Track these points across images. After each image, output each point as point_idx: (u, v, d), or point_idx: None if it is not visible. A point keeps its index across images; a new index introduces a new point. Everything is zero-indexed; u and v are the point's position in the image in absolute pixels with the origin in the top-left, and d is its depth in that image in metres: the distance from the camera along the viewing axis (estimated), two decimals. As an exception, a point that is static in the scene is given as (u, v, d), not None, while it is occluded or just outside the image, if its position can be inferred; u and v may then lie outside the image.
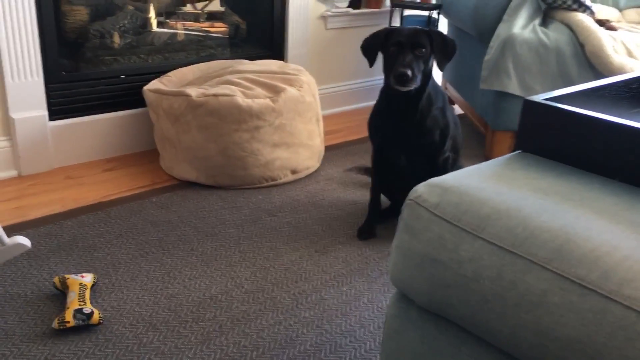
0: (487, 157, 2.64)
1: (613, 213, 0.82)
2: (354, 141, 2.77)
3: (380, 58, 1.78)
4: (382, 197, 2.02)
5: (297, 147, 2.30)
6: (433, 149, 1.81)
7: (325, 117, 3.06)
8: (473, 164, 2.67)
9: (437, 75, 3.44)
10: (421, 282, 0.90)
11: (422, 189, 0.92)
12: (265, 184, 2.25)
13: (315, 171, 2.41)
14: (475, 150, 2.73)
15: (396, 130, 1.81)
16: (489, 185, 0.90)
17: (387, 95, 1.80)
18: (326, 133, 2.80)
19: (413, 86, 1.68)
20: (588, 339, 0.71)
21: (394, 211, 2.02)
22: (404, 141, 1.82)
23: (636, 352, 0.68)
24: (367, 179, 2.28)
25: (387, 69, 1.72)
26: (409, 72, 1.63)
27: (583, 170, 0.96)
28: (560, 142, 0.99)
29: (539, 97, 1.04)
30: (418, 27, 1.78)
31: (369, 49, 1.79)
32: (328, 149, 2.61)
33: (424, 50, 1.69)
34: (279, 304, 1.57)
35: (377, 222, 1.98)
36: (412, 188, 0.95)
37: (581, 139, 0.96)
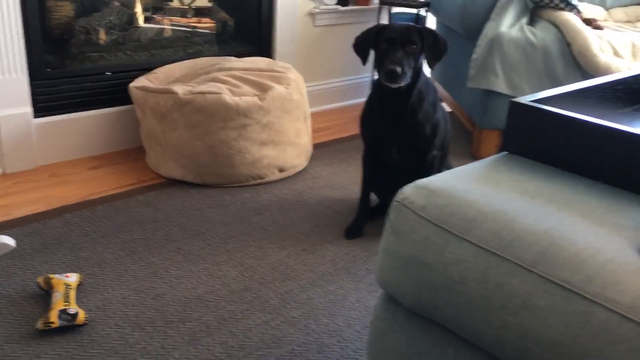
0: (474, 156, 2.65)
1: (597, 216, 0.82)
2: (342, 139, 2.77)
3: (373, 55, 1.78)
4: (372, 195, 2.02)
5: (285, 145, 2.29)
6: (423, 143, 1.81)
7: (313, 115, 3.05)
8: (460, 162, 2.69)
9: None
10: (407, 284, 0.90)
11: (408, 191, 0.92)
12: (253, 182, 2.24)
13: (303, 169, 2.40)
14: (462, 148, 2.74)
15: (387, 125, 1.81)
16: (475, 188, 0.90)
17: (379, 91, 1.81)
18: (314, 131, 2.79)
19: (403, 83, 1.68)
20: (572, 342, 0.71)
21: (383, 209, 2.02)
22: (395, 136, 1.82)
23: (619, 355, 0.68)
24: (355, 178, 2.28)
25: (379, 65, 1.72)
26: (399, 69, 1.64)
27: (568, 172, 0.97)
28: (546, 143, 1.00)
29: (525, 99, 1.04)
30: (410, 24, 1.78)
31: (361, 46, 1.79)
32: (316, 147, 2.60)
33: (414, 47, 1.69)
34: (266, 303, 1.56)
35: (366, 220, 1.97)
36: (401, 186, 0.95)
37: (567, 141, 0.97)
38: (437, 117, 1.82)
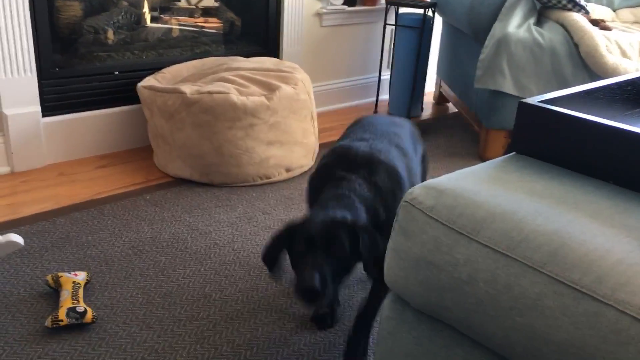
0: (480, 156, 2.64)
1: (607, 216, 0.82)
2: (349, 139, 2.77)
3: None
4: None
5: (292, 145, 2.29)
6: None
7: (319, 115, 3.06)
8: (467, 162, 2.68)
9: (431, 74, 3.45)
10: (416, 284, 0.90)
11: (417, 191, 0.93)
12: (260, 182, 2.25)
13: (310, 169, 2.41)
14: (469, 149, 2.74)
15: None
16: (484, 188, 0.90)
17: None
18: (321, 131, 2.79)
19: (324, 302, 1.13)
20: (582, 343, 0.71)
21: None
22: None
23: (629, 356, 0.68)
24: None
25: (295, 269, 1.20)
26: (317, 284, 1.09)
27: (577, 172, 0.97)
28: (554, 144, 1.00)
29: (534, 100, 1.04)
30: (337, 217, 1.19)
31: (271, 252, 1.24)
32: (322, 146, 2.61)
33: (342, 247, 1.15)
34: (273, 302, 1.57)
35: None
36: None
37: (576, 142, 0.97)
38: None
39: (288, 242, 1.21)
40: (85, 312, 1.41)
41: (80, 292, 1.49)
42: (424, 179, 1.49)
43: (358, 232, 1.17)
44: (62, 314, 1.40)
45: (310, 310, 1.09)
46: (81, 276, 1.55)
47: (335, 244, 1.14)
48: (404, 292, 0.94)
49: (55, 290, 1.52)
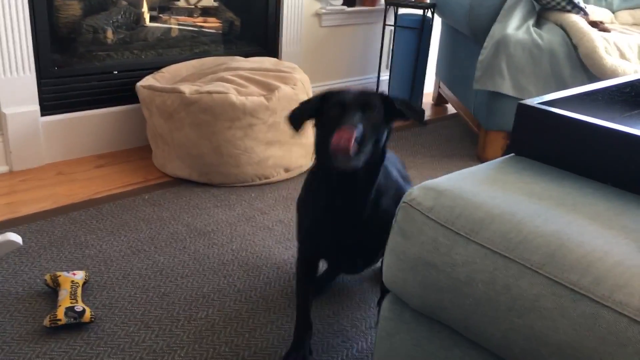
0: (479, 157, 2.65)
1: (606, 218, 0.82)
2: (347, 139, 2.77)
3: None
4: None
5: (291, 145, 2.29)
6: (379, 247, 1.31)
7: (318, 115, 3.05)
8: (466, 163, 2.68)
9: (431, 74, 3.45)
10: (414, 285, 0.90)
11: (416, 192, 0.93)
12: (258, 182, 2.25)
13: (309, 169, 2.41)
14: (468, 150, 2.74)
15: (335, 234, 1.29)
16: (483, 189, 0.90)
17: (321, 186, 1.26)
18: (319, 131, 2.79)
19: (359, 163, 1.11)
20: (580, 344, 0.71)
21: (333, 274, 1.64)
22: (344, 246, 1.32)
23: (627, 358, 0.68)
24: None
25: (319, 145, 1.22)
26: (351, 145, 1.07)
27: (576, 174, 0.97)
28: (553, 146, 1.00)
29: (533, 101, 1.04)
30: (367, 89, 1.31)
31: (298, 115, 1.27)
32: (321, 147, 2.61)
33: (375, 114, 1.17)
34: (272, 303, 1.57)
35: (309, 337, 1.39)
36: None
37: (574, 143, 0.97)
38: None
39: (320, 108, 1.21)
40: (83, 311, 1.41)
41: (79, 291, 1.49)
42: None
43: (391, 100, 1.20)
44: (60, 313, 1.39)
45: (345, 165, 1.10)
46: (79, 275, 1.55)
47: (370, 109, 1.16)
48: (403, 293, 0.94)
49: (53, 290, 1.52)
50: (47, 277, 1.53)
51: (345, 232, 1.27)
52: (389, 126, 1.22)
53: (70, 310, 1.40)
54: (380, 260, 1.46)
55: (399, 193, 1.27)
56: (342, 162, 1.09)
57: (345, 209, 1.24)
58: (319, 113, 1.22)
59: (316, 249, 1.37)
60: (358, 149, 1.09)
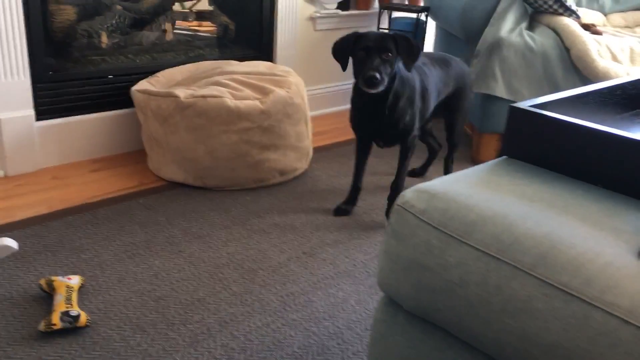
0: (474, 159, 2.66)
1: (596, 220, 0.83)
2: (343, 142, 2.78)
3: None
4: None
5: (286, 148, 2.30)
6: (403, 132, 1.98)
7: (313, 118, 3.06)
8: (460, 166, 2.68)
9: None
10: (408, 286, 0.91)
11: (409, 195, 0.94)
12: (254, 185, 2.25)
13: (304, 172, 2.41)
14: (462, 152, 2.75)
15: (371, 121, 1.97)
16: (475, 192, 0.91)
17: (358, 94, 1.92)
18: (315, 134, 2.80)
19: (381, 88, 1.79)
20: (571, 345, 0.72)
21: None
22: (378, 129, 1.99)
23: (618, 358, 0.69)
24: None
25: (357, 72, 1.84)
26: (378, 76, 1.75)
27: (567, 176, 0.98)
28: (545, 148, 1.01)
29: (525, 104, 1.05)
30: (384, 32, 1.92)
31: (339, 53, 1.89)
32: (316, 150, 2.62)
33: (390, 54, 1.79)
34: (267, 306, 1.57)
35: (355, 202, 2.14)
36: None
37: (566, 146, 0.98)
38: (414, 109, 1.96)
39: (353, 48, 1.82)
40: (78, 316, 1.41)
41: (74, 296, 1.49)
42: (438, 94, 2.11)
43: (398, 40, 1.80)
44: (55, 318, 1.40)
45: (371, 91, 1.80)
46: (75, 280, 1.55)
47: (385, 51, 1.78)
48: (396, 295, 0.95)
49: (48, 294, 1.52)
50: (42, 281, 1.53)
51: (376, 120, 1.94)
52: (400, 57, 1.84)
53: (65, 314, 1.40)
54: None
55: (412, 89, 1.93)
56: (369, 90, 1.79)
57: (373, 107, 1.91)
58: (352, 51, 1.84)
59: (360, 130, 2.04)
60: (378, 81, 1.76)
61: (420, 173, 2.49)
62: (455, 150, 2.34)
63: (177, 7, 2.83)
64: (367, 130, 2.03)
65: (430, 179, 2.41)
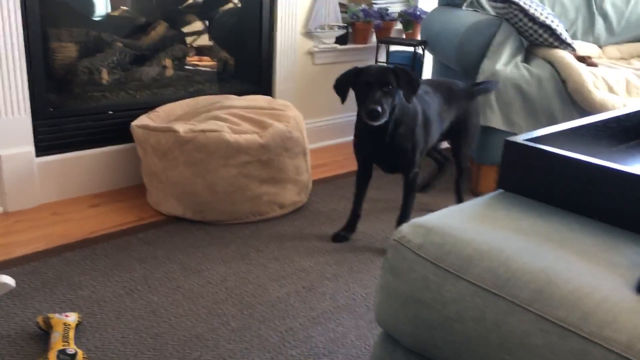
0: (473, 191, 2.66)
1: (592, 254, 0.83)
2: (342, 175, 2.79)
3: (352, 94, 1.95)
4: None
5: (285, 182, 2.31)
6: (403, 161, 2.03)
7: (312, 151, 3.08)
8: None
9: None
10: (405, 322, 0.90)
11: (406, 230, 0.93)
12: (253, 219, 2.25)
13: (303, 206, 2.41)
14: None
15: (373, 149, 2.04)
16: (471, 226, 0.91)
17: (361, 123, 1.98)
18: (313, 167, 2.81)
19: (383, 120, 1.85)
20: (570, 381, 0.71)
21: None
22: (380, 156, 2.06)
23: (618, 395, 0.68)
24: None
25: (359, 104, 1.91)
26: (379, 109, 1.81)
27: (563, 209, 0.98)
28: (541, 182, 1.01)
29: (520, 138, 1.06)
30: (384, 65, 1.96)
31: (340, 87, 1.95)
32: (315, 183, 2.62)
33: (390, 87, 1.85)
34: (266, 342, 1.56)
35: (353, 229, 2.19)
36: None
37: (561, 179, 0.98)
38: (415, 137, 2.00)
39: (354, 82, 1.89)
40: (75, 354, 1.40)
41: (71, 333, 1.48)
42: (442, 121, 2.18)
43: (398, 73, 1.86)
44: (52, 356, 1.38)
45: (373, 123, 1.86)
46: (72, 317, 1.53)
47: (386, 85, 1.84)
48: (394, 331, 0.94)
49: (45, 332, 1.51)
50: (40, 319, 1.52)
51: (377, 147, 2.00)
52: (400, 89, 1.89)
53: (62, 353, 1.39)
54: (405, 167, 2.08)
55: (413, 119, 1.98)
56: (372, 122, 1.85)
57: (375, 135, 1.96)
58: (354, 85, 1.90)
59: (362, 156, 2.10)
60: (379, 114, 1.81)
61: (425, 187, 2.58)
62: (463, 174, 2.38)
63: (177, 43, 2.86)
64: (369, 155, 2.08)
65: (437, 205, 2.42)
